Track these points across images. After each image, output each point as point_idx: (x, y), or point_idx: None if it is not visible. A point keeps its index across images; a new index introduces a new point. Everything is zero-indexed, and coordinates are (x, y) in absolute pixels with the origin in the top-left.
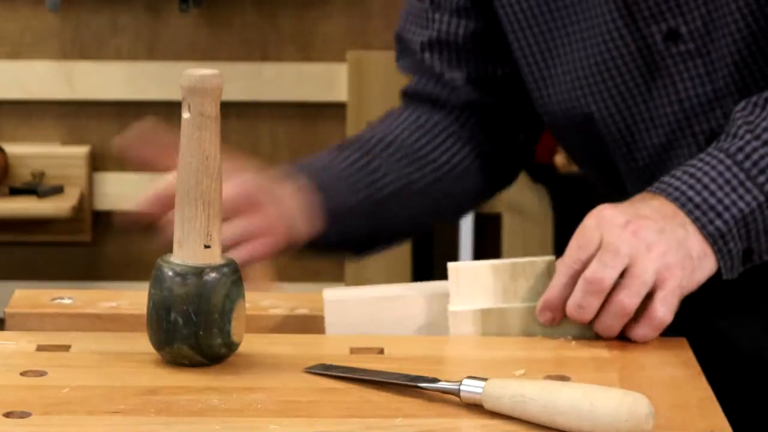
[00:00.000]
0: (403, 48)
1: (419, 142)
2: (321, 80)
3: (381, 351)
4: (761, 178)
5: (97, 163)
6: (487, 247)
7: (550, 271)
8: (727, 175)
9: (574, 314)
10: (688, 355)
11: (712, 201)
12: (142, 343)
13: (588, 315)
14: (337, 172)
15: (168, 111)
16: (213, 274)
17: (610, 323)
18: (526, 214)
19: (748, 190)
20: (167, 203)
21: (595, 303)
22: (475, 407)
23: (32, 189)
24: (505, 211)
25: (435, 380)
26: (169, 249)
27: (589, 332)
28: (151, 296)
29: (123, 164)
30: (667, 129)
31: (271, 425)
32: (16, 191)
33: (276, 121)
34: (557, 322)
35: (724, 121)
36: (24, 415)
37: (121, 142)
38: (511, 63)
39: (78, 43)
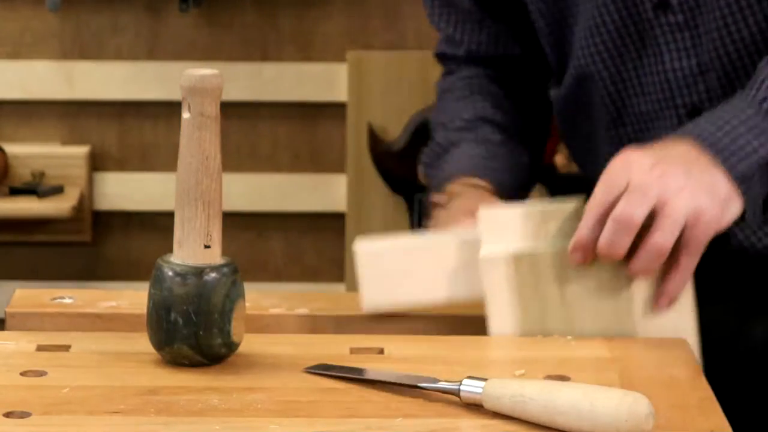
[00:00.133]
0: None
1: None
2: (321, 80)
3: (381, 351)
4: None
5: (97, 163)
6: None
7: (579, 214)
8: (752, 122)
9: (605, 252)
10: (689, 355)
11: (739, 143)
12: (142, 343)
13: (619, 252)
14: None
15: (168, 111)
16: (213, 274)
17: (647, 265)
18: None
19: None
20: None
21: (625, 240)
22: (475, 407)
23: (32, 189)
24: None
25: (435, 380)
26: None
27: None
28: (151, 296)
29: (123, 164)
30: (653, 98)
31: (271, 425)
32: (16, 191)
33: (276, 121)
34: (588, 262)
35: (706, 95)
36: (24, 415)
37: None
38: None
39: (78, 43)
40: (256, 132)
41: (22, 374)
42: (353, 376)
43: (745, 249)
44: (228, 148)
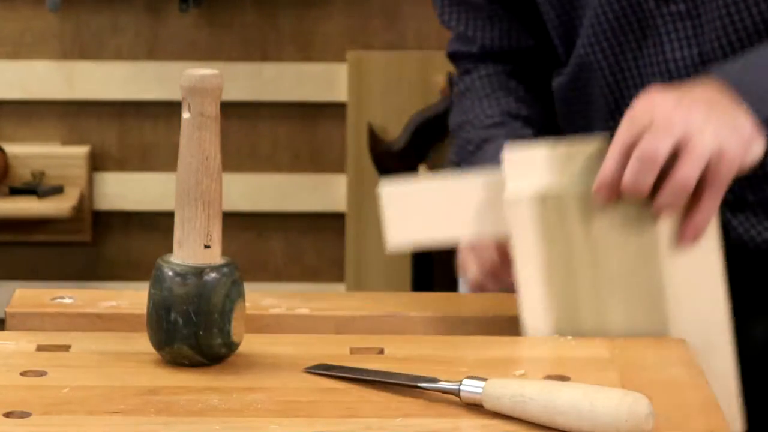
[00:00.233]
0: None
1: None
2: (321, 80)
3: (381, 351)
4: None
5: (97, 163)
6: None
7: (603, 153)
8: None
9: (629, 189)
10: (689, 355)
11: (764, 86)
12: (142, 343)
13: (643, 188)
14: None
15: (168, 111)
16: (213, 274)
17: (671, 200)
18: None
19: None
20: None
21: (650, 177)
22: (475, 407)
23: (32, 189)
24: None
25: (435, 380)
26: None
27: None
28: (151, 296)
29: (123, 164)
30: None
31: (271, 425)
32: (16, 191)
33: (276, 121)
34: (613, 200)
35: None
36: (24, 415)
37: None
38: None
39: (78, 43)
40: (256, 132)
41: (22, 374)
42: (353, 376)
43: (745, 243)
44: (228, 148)
